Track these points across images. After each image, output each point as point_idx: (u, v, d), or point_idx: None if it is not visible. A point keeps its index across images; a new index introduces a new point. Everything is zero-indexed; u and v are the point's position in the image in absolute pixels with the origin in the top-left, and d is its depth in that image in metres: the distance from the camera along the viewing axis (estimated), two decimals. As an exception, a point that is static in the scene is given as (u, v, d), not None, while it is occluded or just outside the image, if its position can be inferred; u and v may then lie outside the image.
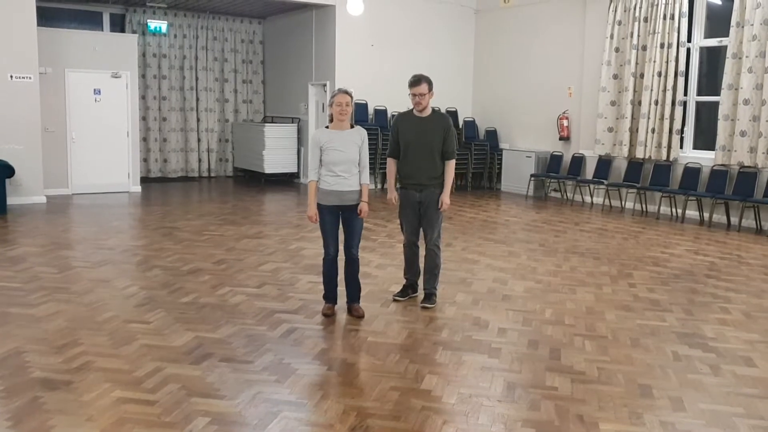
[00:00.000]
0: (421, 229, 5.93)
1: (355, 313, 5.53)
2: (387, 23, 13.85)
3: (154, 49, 14.94)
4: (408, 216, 5.91)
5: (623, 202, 12.06)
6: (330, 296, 5.60)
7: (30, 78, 11.01)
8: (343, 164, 5.28)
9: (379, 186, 13.86)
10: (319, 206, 5.38)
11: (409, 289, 6.11)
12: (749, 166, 10.27)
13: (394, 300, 6.00)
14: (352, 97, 5.35)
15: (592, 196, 12.55)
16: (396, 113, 13.97)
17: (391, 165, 5.97)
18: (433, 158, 5.75)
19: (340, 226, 5.46)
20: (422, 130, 5.77)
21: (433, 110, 5.85)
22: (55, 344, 4.75)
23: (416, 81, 5.68)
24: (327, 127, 5.41)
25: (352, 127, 5.39)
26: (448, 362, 4.60)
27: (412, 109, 5.87)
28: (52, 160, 11.91)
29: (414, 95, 5.68)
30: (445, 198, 5.81)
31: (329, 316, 5.50)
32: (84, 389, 4.00)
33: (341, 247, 5.50)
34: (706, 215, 10.70)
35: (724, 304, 6.13)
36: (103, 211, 10.72)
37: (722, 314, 5.84)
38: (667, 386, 4.26)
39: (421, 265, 6.02)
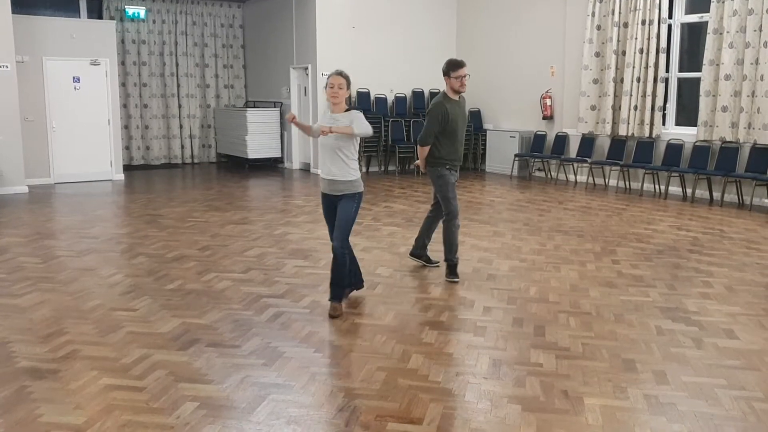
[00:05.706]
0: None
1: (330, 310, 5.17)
2: (368, 5, 13.75)
3: (133, 35, 14.77)
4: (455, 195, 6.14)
5: (607, 180, 12.13)
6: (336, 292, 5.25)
7: (7, 67, 10.87)
8: (326, 150, 5.05)
9: (364, 170, 13.84)
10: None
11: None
12: (731, 142, 10.35)
13: (454, 282, 6.01)
14: (347, 79, 5.01)
15: (575, 175, 12.60)
16: (380, 95, 13.96)
17: (425, 152, 6.02)
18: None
19: None
20: (463, 112, 6.11)
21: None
22: (41, 334, 4.74)
23: (462, 63, 5.88)
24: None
25: (347, 111, 5.08)
26: (434, 341, 4.63)
27: (444, 93, 6.00)
28: (32, 149, 11.80)
29: (460, 77, 5.86)
30: None
31: (336, 316, 5.11)
32: (71, 377, 4.00)
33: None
34: (688, 191, 10.79)
35: (707, 279, 6.20)
36: (86, 200, 10.64)
37: (705, 288, 5.91)
38: (651, 360, 4.32)
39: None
